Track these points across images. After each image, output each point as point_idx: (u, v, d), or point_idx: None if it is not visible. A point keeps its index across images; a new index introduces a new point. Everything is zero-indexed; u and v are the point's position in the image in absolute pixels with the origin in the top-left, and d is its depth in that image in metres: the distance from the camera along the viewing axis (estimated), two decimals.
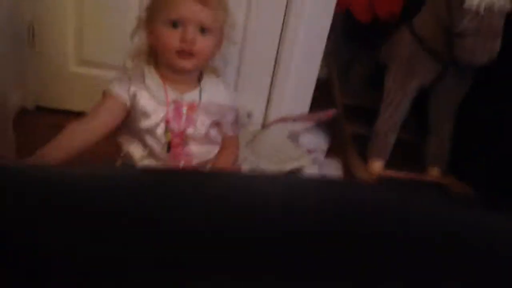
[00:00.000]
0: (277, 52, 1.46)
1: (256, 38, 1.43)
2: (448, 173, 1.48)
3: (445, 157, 1.47)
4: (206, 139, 0.98)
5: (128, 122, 0.94)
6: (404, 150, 1.52)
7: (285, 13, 1.40)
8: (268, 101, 1.54)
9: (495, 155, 1.35)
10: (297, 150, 1.39)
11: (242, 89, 1.52)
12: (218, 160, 1.03)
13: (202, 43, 0.88)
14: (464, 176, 1.43)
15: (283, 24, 1.42)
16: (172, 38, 0.86)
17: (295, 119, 1.52)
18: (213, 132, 0.99)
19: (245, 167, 1.26)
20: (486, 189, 1.30)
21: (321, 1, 1.39)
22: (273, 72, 1.50)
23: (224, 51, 0.99)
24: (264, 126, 1.55)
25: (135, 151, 0.95)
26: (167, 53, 0.88)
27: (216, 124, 0.99)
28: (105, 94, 0.92)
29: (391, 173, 1.45)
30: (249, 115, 1.51)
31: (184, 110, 0.93)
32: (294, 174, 1.32)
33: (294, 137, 1.47)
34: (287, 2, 1.39)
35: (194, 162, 0.98)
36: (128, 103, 0.91)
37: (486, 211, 0.52)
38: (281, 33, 1.43)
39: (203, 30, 0.88)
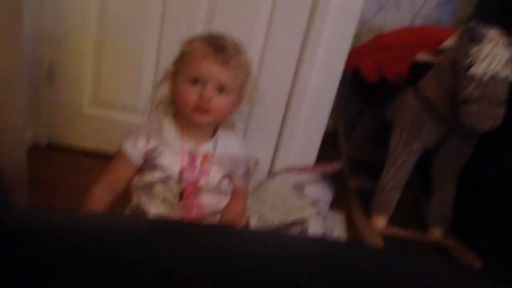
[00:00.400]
0: (287, 104, 1.51)
1: (267, 89, 1.47)
2: (451, 234, 1.48)
3: (447, 217, 1.48)
4: (218, 190, 1.00)
5: (141, 174, 0.97)
6: (408, 207, 1.54)
7: (296, 67, 1.46)
8: (276, 150, 1.58)
9: (497, 218, 1.36)
10: (301, 201, 1.41)
11: (251, 137, 1.55)
12: (228, 211, 1.04)
13: (219, 102, 0.92)
14: (467, 238, 1.44)
15: (294, 77, 1.48)
16: (190, 94, 0.91)
17: (301, 170, 1.54)
18: (225, 184, 1.01)
19: (252, 218, 1.27)
20: (488, 253, 1.30)
21: (331, 59, 1.45)
22: (282, 122, 1.54)
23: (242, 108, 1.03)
24: (270, 175, 1.58)
25: (147, 200, 0.97)
26: (185, 107, 0.92)
27: (228, 176, 1.01)
28: (120, 152, 0.95)
29: (394, 230, 1.46)
30: (256, 164, 1.54)
31: (199, 160, 0.96)
32: (298, 225, 1.33)
33: (299, 188, 1.49)
34: (298, 57, 1.45)
35: (205, 212, 0.99)
36: (140, 163, 0.95)
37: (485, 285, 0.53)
38: (291, 86, 1.49)
39: (221, 89, 0.92)
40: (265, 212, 1.32)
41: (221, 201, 1.02)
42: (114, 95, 1.50)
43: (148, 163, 0.95)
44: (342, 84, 1.55)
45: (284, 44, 1.43)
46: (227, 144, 1.00)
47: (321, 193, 1.51)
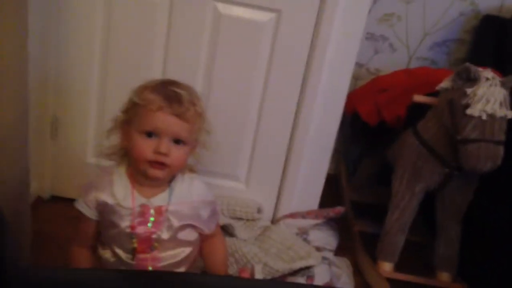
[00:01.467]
0: (288, 149, 1.52)
1: (267, 135, 1.50)
2: (459, 278, 1.45)
3: (454, 261, 1.46)
4: (175, 242, 0.95)
5: (100, 229, 0.97)
6: (414, 250, 1.52)
7: (295, 112, 1.48)
8: (278, 196, 1.58)
9: (506, 261, 1.33)
10: (306, 248, 1.39)
11: (253, 184, 1.56)
12: (209, 260, 1.03)
13: (176, 154, 0.88)
14: (475, 282, 1.40)
15: (294, 122, 1.49)
16: (145, 148, 0.87)
17: (304, 215, 1.54)
18: (183, 235, 0.96)
19: (257, 266, 1.25)
20: None
21: (330, 103, 1.48)
22: (284, 168, 1.55)
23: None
24: (274, 221, 1.57)
25: (106, 257, 0.97)
26: (140, 162, 0.88)
27: (189, 225, 0.96)
28: (77, 213, 0.95)
29: (401, 275, 1.43)
30: (259, 210, 1.53)
31: (151, 214, 0.91)
32: (304, 272, 1.31)
33: (303, 234, 1.48)
34: (297, 102, 1.47)
35: (162, 266, 0.95)
36: (97, 217, 0.94)
37: None
38: (292, 131, 1.50)
39: (177, 141, 0.89)
40: (269, 261, 1.30)
41: (181, 253, 0.98)
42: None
43: (103, 217, 0.94)
44: (342, 127, 1.57)
45: (283, 90, 1.45)
46: (184, 192, 0.95)
47: (325, 238, 1.49)
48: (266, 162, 1.53)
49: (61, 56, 1.41)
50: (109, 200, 0.91)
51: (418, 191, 1.42)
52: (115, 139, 0.96)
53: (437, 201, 1.47)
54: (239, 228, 1.44)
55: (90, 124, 1.49)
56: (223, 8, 1.37)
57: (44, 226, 1.37)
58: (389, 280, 1.40)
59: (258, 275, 1.25)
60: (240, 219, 1.50)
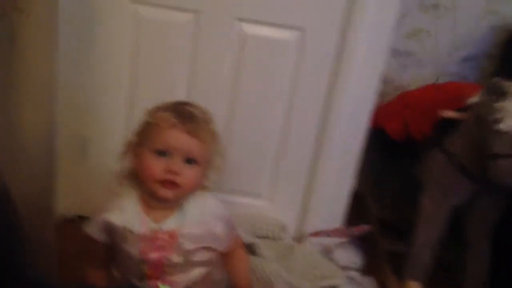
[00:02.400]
0: (312, 165, 1.52)
1: (291, 153, 1.50)
2: None
3: (484, 279, 1.40)
4: (188, 265, 0.93)
5: (112, 252, 0.96)
6: (442, 269, 1.47)
7: (321, 128, 1.48)
8: (302, 214, 1.57)
9: None
10: (331, 267, 1.37)
11: (276, 202, 1.56)
12: (235, 277, 1.02)
13: (187, 174, 0.86)
14: None
15: (318, 139, 1.49)
16: (156, 168, 0.85)
17: (329, 234, 1.52)
18: (197, 256, 0.93)
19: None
20: None
21: (356, 117, 1.47)
22: (308, 185, 1.54)
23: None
24: (298, 239, 1.55)
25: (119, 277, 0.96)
26: (150, 181, 0.86)
27: (204, 247, 0.93)
28: (86, 236, 0.95)
29: None
30: (283, 229, 1.53)
31: (162, 239, 0.89)
32: None
33: (327, 253, 1.46)
34: (322, 119, 1.47)
35: None
36: (106, 240, 0.93)
37: None
38: (316, 146, 1.50)
39: (189, 160, 0.87)
40: (294, 280, 1.28)
41: (196, 274, 0.95)
42: None
43: (112, 241, 0.92)
44: (368, 143, 1.55)
45: (308, 107, 1.46)
46: (197, 212, 0.92)
47: (350, 258, 1.46)
48: (289, 180, 1.53)
49: (91, 77, 1.44)
50: (118, 223, 0.90)
51: (447, 208, 1.38)
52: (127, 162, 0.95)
53: (466, 217, 1.43)
54: (263, 247, 1.42)
55: (118, 145, 1.50)
56: (247, 27, 1.39)
57: (69, 245, 1.38)
58: None
59: None
60: (264, 237, 1.49)
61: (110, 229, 0.91)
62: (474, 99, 1.34)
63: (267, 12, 1.37)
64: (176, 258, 0.91)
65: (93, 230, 0.93)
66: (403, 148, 1.63)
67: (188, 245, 0.91)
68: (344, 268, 1.41)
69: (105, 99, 1.47)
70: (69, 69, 1.35)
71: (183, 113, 0.87)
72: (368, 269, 1.49)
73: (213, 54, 1.41)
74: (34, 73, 0.99)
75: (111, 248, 0.95)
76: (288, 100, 1.46)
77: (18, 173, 0.99)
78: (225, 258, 1.02)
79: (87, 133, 1.51)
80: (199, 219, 0.93)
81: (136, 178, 0.92)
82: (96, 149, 1.52)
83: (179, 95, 1.42)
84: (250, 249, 1.41)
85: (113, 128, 1.49)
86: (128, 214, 0.90)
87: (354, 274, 1.40)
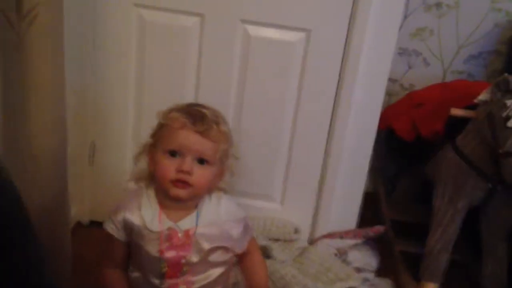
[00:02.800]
0: (323, 167, 1.51)
1: (301, 154, 1.49)
2: None
3: (502, 280, 1.38)
4: (206, 265, 0.94)
5: (130, 252, 0.97)
6: (459, 271, 1.46)
7: (329, 129, 1.47)
8: (315, 216, 1.55)
9: None
10: (345, 269, 1.36)
11: (288, 204, 1.54)
12: (251, 279, 1.01)
13: (199, 174, 0.88)
14: None
15: (327, 141, 1.48)
16: (169, 168, 0.87)
17: (342, 235, 1.50)
18: (215, 257, 0.95)
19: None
20: None
21: (364, 118, 1.46)
22: (319, 187, 1.53)
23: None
24: (311, 241, 1.54)
25: (136, 277, 0.96)
26: (163, 181, 0.88)
27: (220, 247, 0.95)
28: (105, 234, 0.96)
29: None
30: (296, 231, 1.51)
31: (180, 238, 0.90)
32: None
33: (341, 254, 1.44)
34: (331, 120, 1.45)
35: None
36: (125, 239, 0.94)
37: None
38: (326, 148, 1.49)
39: (201, 160, 0.88)
40: (309, 282, 1.27)
41: (213, 273, 0.96)
42: None
43: (131, 240, 0.93)
44: (379, 144, 1.54)
45: (315, 108, 1.45)
46: (212, 213, 0.94)
47: (365, 259, 1.45)
48: (301, 182, 1.52)
49: (98, 83, 1.44)
50: (137, 222, 0.91)
51: (461, 207, 1.36)
52: (143, 164, 0.97)
53: (481, 217, 1.41)
54: (277, 249, 1.42)
55: (127, 150, 1.51)
56: (252, 30, 1.38)
57: (84, 251, 1.39)
58: None
59: None
60: (276, 240, 1.48)
61: (129, 228, 0.92)
62: (483, 96, 1.32)
63: (272, 13, 1.36)
64: (194, 258, 0.92)
65: (113, 228, 0.94)
66: (415, 148, 1.62)
67: (205, 245, 0.92)
68: (359, 270, 1.39)
69: (112, 104, 1.47)
70: (75, 75, 1.35)
71: (195, 114, 0.89)
72: (383, 271, 1.48)
73: (218, 57, 1.41)
74: (43, 80, 0.99)
75: (130, 248, 0.96)
76: (295, 101, 1.45)
77: (31, 181, 0.98)
78: (242, 260, 1.02)
79: (96, 139, 1.51)
80: (214, 219, 0.94)
81: (153, 178, 0.94)
82: (104, 154, 1.52)
83: (186, 98, 1.41)
84: (264, 252, 1.39)
85: (121, 133, 1.50)
86: (146, 213, 0.92)
87: (369, 276, 1.39)
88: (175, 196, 0.89)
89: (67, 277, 1.16)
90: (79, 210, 1.56)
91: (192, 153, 0.87)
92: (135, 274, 0.97)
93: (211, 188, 0.95)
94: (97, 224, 1.55)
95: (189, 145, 0.87)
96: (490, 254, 1.40)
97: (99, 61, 1.42)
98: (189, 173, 0.87)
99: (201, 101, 1.38)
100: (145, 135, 1.45)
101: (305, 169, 1.50)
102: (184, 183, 0.87)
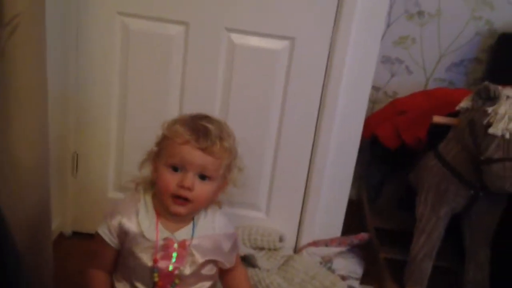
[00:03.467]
0: (308, 175, 1.51)
1: (286, 163, 1.49)
2: None
3: (485, 286, 1.40)
4: (197, 278, 0.93)
5: (119, 259, 0.94)
6: (442, 277, 1.47)
7: (314, 137, 1.47)
8: (300, 224, 1.55)
9: None
10: (330, 277, 1.36)
11: (274, 213, 1.54)
12: None
13: (200, 190, 0.87)
14: None
15: (312, 149, 1.48)
16: (170, 182, 0.86)
17: (327, 243, 1.50)
18: (207, 270, 0.94)
19: None
20: None
21: (348, 126, 1.47)
22: (304, 196, 1.53)
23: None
24: (296, 249, 1.54)
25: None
26: (164, 195, 0.87)
27: (211, 260, 0.94)
28: (98, 236, 0.92)
29: None
30: (281, 239, 1.51)
31: (175, 249, 0.90)
32: None
33: (326, 262, 1.45)
34: (315, 128, 1.46)
35: None
36: (119, 245, 0.92)
37: None
38: (310, 157, 1.49)
39: (203, 176, 0.87)
40: None
41: (204, 285, 0.96)
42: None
43: (123, 247, 0.91)
44: (363, 152, 1.55)
45: (300, 117, 1.45)
46: (208, 225, 0.94)
47: (350, 266, 1.45)
48: (286, 191, 1.52)
49: (81, 91, 1.43)
50: (133, 228, 0.90)
51: (444, 214, 1.38)
52: (145, 171, 0.95)
53: (464, 224, 1.42)
54: (261, 259, 1.41)
55: (110, 160, 1.50)
56: (236, 38, 1.39)
57: (67, 262, 1.37)
58: None
59: None
60: (261, 248, 1.48)
61: (124, 233, 0.90)
62: (464, 104, 1.34)
63: (257, 22, 1.37)
64: (187, 270, 0.91)
65: (106, 233, 0.92)
66: (399, 156, 1.63)
67: (199, 258, 0.92)
68: (344, 277, 1.39)
69: (95, 113, 1.45)
70: (57, 83, 1.32)
71: (198, 130, 0.87)
72: (368, 278, 1.48)
73: (203, 65, 1.40)
74: (25, 89, 0.98)
75: (120, 254, 0.94)
76: (280, 109, 1.45)
77: (11, 191, 0.96)
78: (225, 275, 1.01)
79: (78, 149, 1.49)
80: (209, 233, 0.94)
81: (153, 185, 0.93)
82: (87, 164, 1.50)
83: (171, 107, 1.42)
84: (249, 261, 1.39)
85: (105, 143, 1.48)
86: (143, 220, 0.90)
87: (354, 283, 1.39)
88: (175, 213, 0.88)
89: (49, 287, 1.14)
90: (61, 221, 1.54)
91: (194, 168, 0.86)
92: (121, 284, 0.95)
93: (211, 202, 0.94)
94: (80, 235, 1.54)
95: (192, 161, 0.86)
96: (472, 260, 1.41)
97: (83, 68, 1.41)
98: (190, 189, 0.86)
99: (186, 108, 1.39)
100: (129, 145, 1.46)
101: (290, 177, 1.51)
102: (184, 200, 0.87)
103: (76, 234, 1.55)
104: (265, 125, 1.47)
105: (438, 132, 1.42)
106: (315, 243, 1.51)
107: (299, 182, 1.51)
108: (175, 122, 0.90)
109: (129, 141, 1.47)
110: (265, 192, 1.53)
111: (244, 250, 1.40)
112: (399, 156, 1.62)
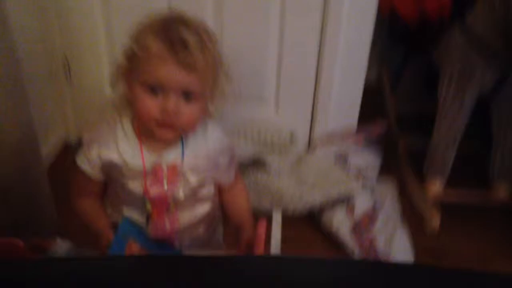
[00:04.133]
0: (317, 65, 1.37)
1: (293, 50, 1.35)
2: None
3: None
4: (194, 200, 0.86)
5: (108, 188, 0.86)
6: (466, 165, 1.37)
7: (322, 20, 1.31)
8: (312, 117, 1.45)
9: None
10: (345, 174, 1.28)
11: (283, 107, 1.44)
12: (234, 212, 0.94)
13: (187, 113, 0.75)
14: None
15: (320, 34, 1.32)
16: (151, 107, 0.73)
17: (342, 138, 1.40)
18: (203, 191, 0.86)
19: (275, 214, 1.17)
20: None
21: (361, 4, 1.28)
22: (315, 85, 1.40)
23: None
24: (310, 146, 1.45)
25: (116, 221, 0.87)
26: (146, 121, 0.75)
27: (208, 179, 0.85)
28: (77, 168, 0.82)
29: (452, 195, 1.30)
30: (292, 135, 1.42)
31: (165, 173, 0.80)
32: (343, 202, 1.22)
33: (342, 159, 1.35)
34: (324, 9, 1.29)
35: (182, 227, 0.86)
36: (102, 176, 0.82)
37: None
38: (320, 42, 1.34)
39: (187, 95, 0.74)
40: (304, 193, 1.21)
41: (201, 210, 0.88)
42: None
43: (110, 179, 0.83)
44: (381, 32, 1.38)
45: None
46: (199, 141, 0.83)
47: (366, 161, 1.36)
48: (294, 81, 1.39)
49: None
50: (115, 159, 0.80)
51: (469, 97, 1.25)
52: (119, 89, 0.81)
53: (492, 106, 1.30)
54: (273, 161, 1.34)
55: (102, 60, 1.42)
56: None
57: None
58: (439, 203, 1.28)
59: (276, 224, 1.18)
60: (272, 148, 1.40)
61: (107, 166, 0.81)
62: None
63: None
64: (181, 194, 0.83)
65: (88, 168, 0.82)
66: (419, 31, 1.45)
67: (192, 179, 0.83)
68: (360, 171, 1.31)
69: (80, 14, 1.35)
70: None
71: (175, 42, 0.71)
72: (386, 170, 1.40)
73: None
74: None
75: (107, 184, 0.86)
76: None
77: None
78: (224, 194, 0.94)
79: (68, 53, 1.42)
80: (202, 150, 0.83)
81: (128, 105, 0.80)
82: (81, 69, 1.44)
83: (158, 4, 1.26)
84: (259, 164, 1.32)
85: (94, 44, 1.40)
86: (124, 148, 0.80)
87: (370, 180, 1.31)
88: (161, 137, 0.77)
89: (50, 213, 1.12)
90: (65, 130, 1.52)
91: (176, 89, 0.73)
92: (115, 218, 0.90)
93: (201, 121, 0.82)
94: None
95: (171, 81, 0.72)
96: (499, 145, 1.32)
97: None
98: (175, 114, 0.74)
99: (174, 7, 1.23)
100: (119, 43, 1.34)
101: (299, 67, 1.37)
102: (171, 125, 0.75)
103: (81, 141, 1.52)
104: (266, 15, 1.31)
105: (466, 1, 1.24)
106: (329, 139, 1.41)
107: (308, 72, 1.38)
108: (144, 32, 0.74)
109: (118, 40, 1.36)
110: (273, 82, 1.41)
111: (254, 153, 1.32)
112: (420, 34, 1.45)
